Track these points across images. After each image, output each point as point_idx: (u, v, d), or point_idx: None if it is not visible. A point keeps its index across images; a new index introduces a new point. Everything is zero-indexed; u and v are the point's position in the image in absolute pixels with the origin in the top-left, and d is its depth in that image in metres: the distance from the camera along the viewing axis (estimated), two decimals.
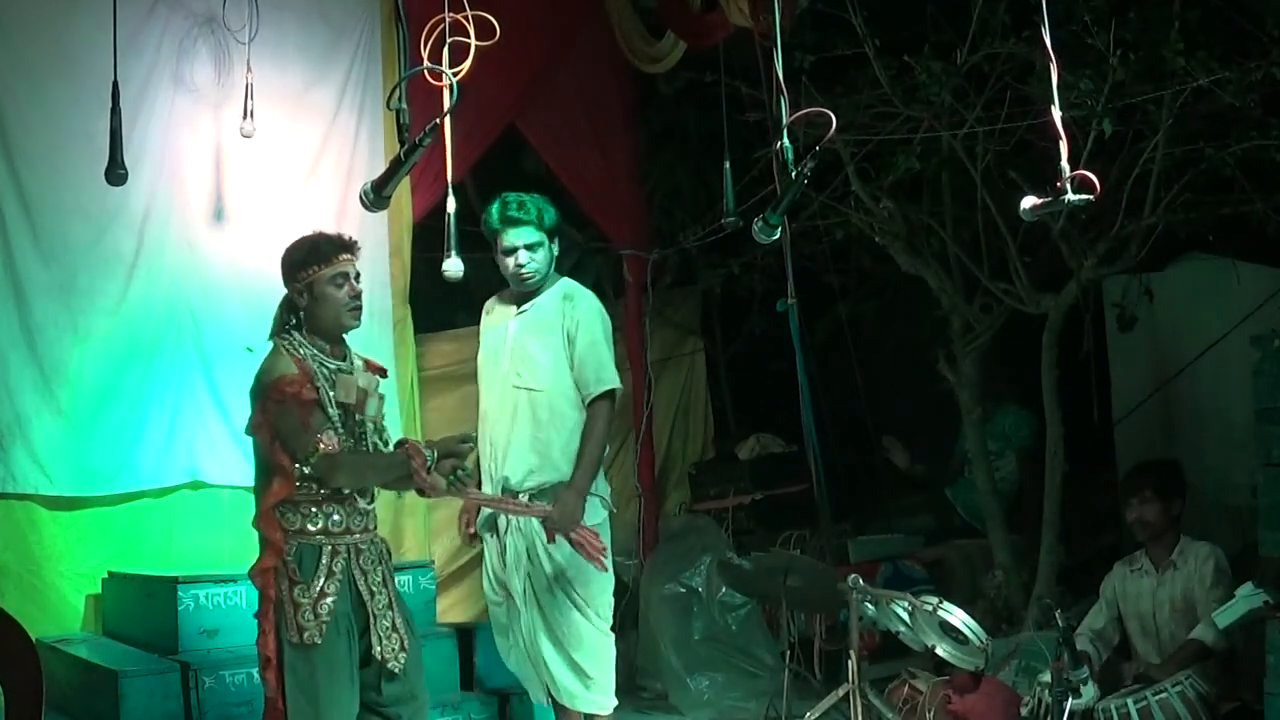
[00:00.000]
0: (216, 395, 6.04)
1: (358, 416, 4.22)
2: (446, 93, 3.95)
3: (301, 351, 4.16)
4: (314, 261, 4.20)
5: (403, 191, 6.43)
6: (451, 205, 4.23)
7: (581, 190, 7.36)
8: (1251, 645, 5.08)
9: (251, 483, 6.03)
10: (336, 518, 4.14)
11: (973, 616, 4.87)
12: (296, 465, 4.08)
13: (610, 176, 7.47)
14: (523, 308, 5.01)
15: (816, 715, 4.95)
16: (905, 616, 4.87)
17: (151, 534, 5.93)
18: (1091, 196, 3.35)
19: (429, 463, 4.11)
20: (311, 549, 4.10)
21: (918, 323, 7.57)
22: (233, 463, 6.02)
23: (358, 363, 4.32)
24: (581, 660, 4.90)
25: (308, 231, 4.34)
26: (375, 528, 4.31)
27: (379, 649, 4.17)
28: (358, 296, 4.24)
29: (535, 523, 4.82)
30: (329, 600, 4.06)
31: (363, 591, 4.17)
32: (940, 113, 6.05)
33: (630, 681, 7.06)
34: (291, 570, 4.07)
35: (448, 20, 4.17)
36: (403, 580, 5.22)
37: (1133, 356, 7.33)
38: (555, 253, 5.04)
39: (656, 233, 7.72)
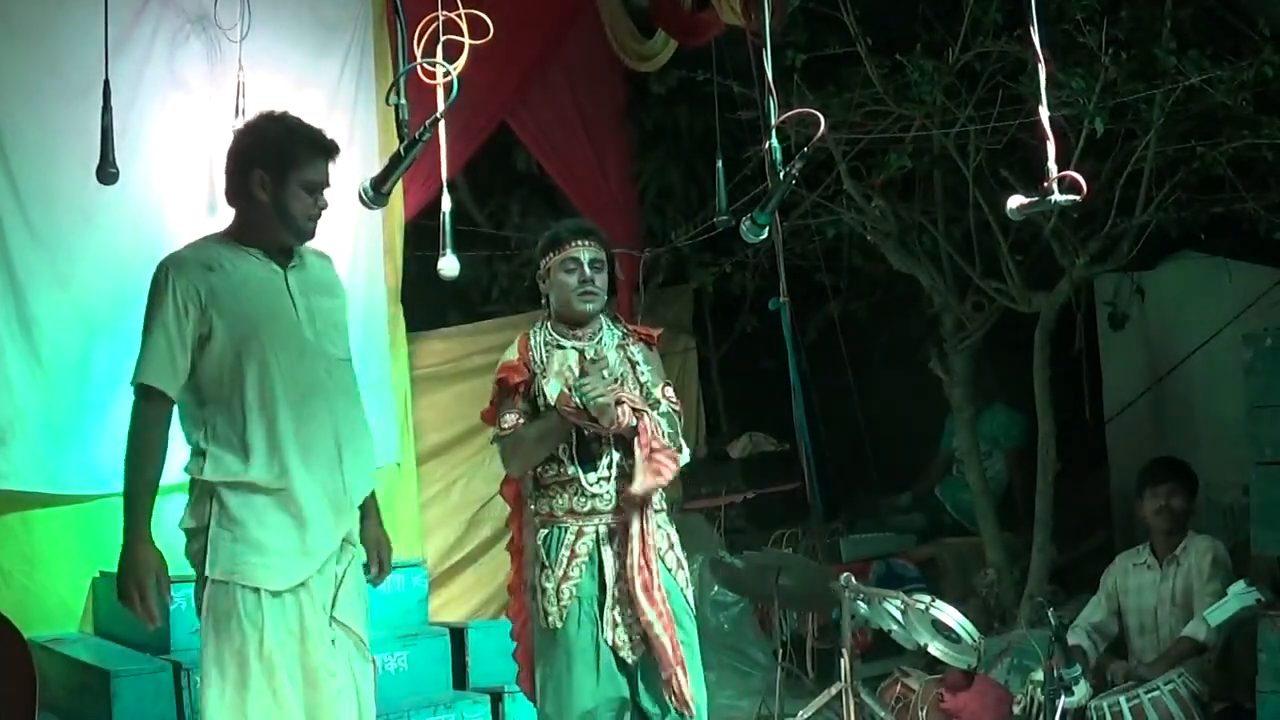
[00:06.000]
0: None
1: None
2: (442, 89, 3.93)
3: (536, 339, 4.32)
4: (549, 248, 4.35)
5: (395, 190, 6.40)
6: (447, 203, 4.23)
7: (573, 188, 7.34)
8: (1243, 644, 5.09)
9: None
10: (580, 499, 4.21)
11: (965, 615, 4.88)
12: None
13: (602, 175, 7.46)
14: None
15: (809, 714, 4.95)
16: (898, 615, 4.87)
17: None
18: (1079, 197, 3.35)
19: (580, 399, 4.13)
20: (558, 530, 4.21)
21: (909, 321, 7.58)
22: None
23: (609, 340, 4.43)
24: None
25: None
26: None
27: (609, 635, 4.16)
28: (588, 281, 4.31)
29: None
30: (571, 584, 4.16)
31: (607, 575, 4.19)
32: (932, 111, 6.05)
33: None
34: (540, 554, 4.21)
35: (441, 18, 4.16)
36: (394, 579, 5.18)
37: (1124, 355, 7.34)
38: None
39: (648, 231, 7.70)
